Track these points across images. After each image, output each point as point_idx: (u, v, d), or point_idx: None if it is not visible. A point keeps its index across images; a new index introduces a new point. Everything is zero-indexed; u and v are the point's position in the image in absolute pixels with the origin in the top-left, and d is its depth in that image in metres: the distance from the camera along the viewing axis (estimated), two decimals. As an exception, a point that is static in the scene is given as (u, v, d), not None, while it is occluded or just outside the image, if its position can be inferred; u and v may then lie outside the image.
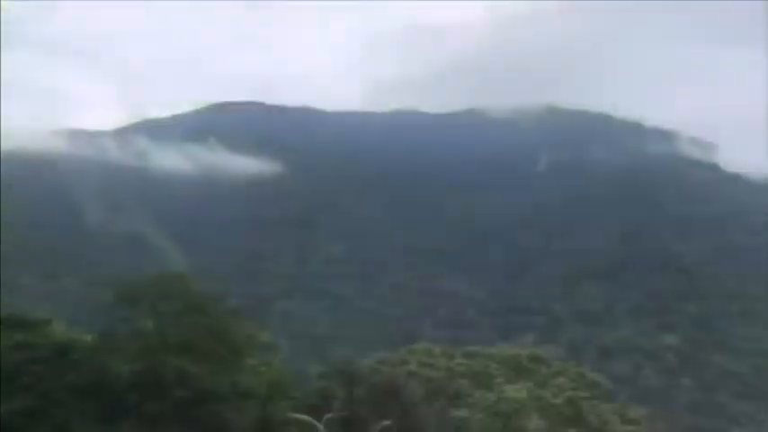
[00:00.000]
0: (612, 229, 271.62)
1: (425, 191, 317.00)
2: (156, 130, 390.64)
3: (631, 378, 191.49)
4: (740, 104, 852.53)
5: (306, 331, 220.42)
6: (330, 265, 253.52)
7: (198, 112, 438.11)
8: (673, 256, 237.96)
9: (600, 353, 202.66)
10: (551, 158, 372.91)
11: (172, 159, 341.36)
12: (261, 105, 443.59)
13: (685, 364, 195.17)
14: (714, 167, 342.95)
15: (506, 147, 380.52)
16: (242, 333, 51.72)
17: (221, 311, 51.89)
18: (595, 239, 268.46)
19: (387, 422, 40.59)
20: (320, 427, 40.22)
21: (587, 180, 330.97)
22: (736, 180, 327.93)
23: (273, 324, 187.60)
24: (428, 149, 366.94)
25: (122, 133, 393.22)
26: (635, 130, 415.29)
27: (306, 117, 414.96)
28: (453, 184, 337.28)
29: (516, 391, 41.77)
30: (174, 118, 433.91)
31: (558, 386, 45.91)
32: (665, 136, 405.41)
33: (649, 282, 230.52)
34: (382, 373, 49.21)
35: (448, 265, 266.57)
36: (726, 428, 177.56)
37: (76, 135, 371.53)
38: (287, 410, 45.24)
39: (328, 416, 42.04)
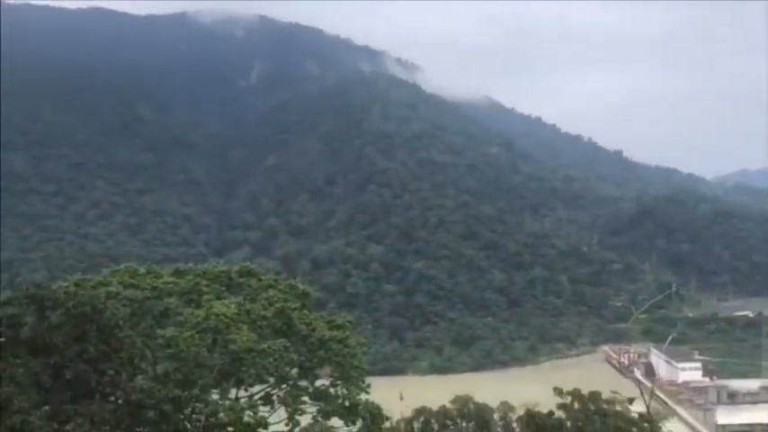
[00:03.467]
0: (321, 145, 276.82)
1: (124, 99, 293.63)
2: None
3: (340, 286, 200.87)
4: (441, 28, 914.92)
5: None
6: (14, 181, 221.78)
7: None
8: (378, 172, 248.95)
9: (312, 264, 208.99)
10: (262, 70, 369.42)
11: None
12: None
13: (389, 271, 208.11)
14: (416, 87, 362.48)
15: (216, 56, 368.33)
16: None
17: None
18: (306, 154, 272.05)
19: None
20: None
21: (297, 94, 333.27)
22: (434, 100, 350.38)
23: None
24: (128, 53, 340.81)
25: None
26: (345, 47, 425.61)
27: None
28: (154, 92, 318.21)
29: (225, 306, 39.23)
30: None
31: (268, 299, 44.31)
32: (373, 55, 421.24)
33: (357, 196, 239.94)
34: (79, 296, 43.32)
35: (153, 180, 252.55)
36: (421, 326, 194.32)
37: None
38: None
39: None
